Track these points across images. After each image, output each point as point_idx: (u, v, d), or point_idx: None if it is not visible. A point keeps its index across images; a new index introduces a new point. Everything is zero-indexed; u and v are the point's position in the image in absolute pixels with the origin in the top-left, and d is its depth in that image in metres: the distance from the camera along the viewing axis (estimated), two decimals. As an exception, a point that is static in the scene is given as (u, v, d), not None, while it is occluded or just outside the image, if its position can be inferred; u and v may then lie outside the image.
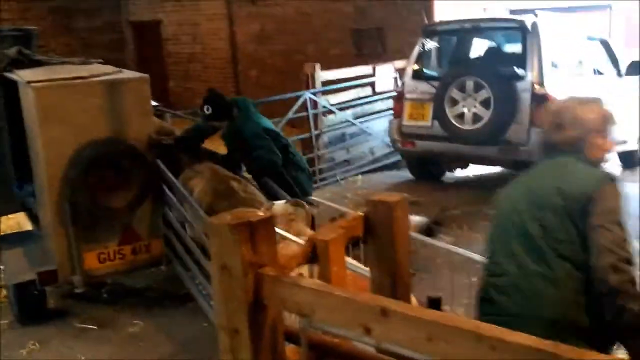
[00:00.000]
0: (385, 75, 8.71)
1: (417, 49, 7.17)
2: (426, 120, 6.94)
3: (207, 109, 4.54)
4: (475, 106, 6.42)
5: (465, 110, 6.48)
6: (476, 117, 6.41)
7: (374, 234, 2.00)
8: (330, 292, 1.51)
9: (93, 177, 4.03)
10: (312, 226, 3.88)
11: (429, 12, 9.15)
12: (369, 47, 10.32)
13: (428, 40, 7.16)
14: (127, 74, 4.43)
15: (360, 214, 2.04)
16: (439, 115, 6.69)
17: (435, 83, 6.80)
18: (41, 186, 4.16)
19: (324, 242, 1.83)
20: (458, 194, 6.97)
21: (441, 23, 7.43)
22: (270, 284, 1.61)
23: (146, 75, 4.27)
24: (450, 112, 6.57)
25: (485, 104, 6.32)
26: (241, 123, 4.56)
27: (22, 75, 4.16)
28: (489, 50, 7.39)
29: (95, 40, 13.25)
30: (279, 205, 3.66)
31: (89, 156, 4.00)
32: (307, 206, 3.68)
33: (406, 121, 7.12)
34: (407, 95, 7.12)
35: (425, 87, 6.95)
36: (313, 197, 4.08)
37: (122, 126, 4.15)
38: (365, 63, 8.91)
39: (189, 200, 4.02)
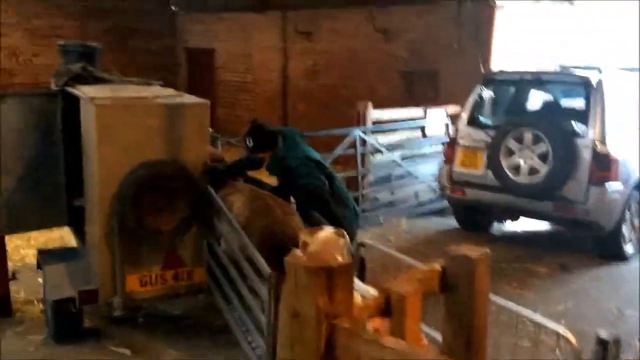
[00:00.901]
0: (436, 119, 8.59)
1: (474, 96, 7.04)
2: (479, 168, 6.77)
3: (249, 142, 4.56)
4: (532, 158, 6.23)
5: (522, 162, 6.30)
6: (532, 170, 6.22)
7: (452, 290, 1.86)
8: (417, 356, 1.36)
9: (144, 198, 3.97)
10: (362, 269, 3.74)
11: (486, 60, 9.04)
12: (420, 89, 10.23)
13: (486, 87, 7.03)
14: (188, 98, 4.42)
15: (437, 266, 1.90)
16: (493, 164, 6.51)
17: (491, 131, 6.65)
18: (91, 203, 4.13)
19: (400, 295, 1.69)
20: (507, 248, 6.72)
21: (502, 72, 7.30)
22: (345, 337, 1.47)
23: (207, 102, 4.25)
24: (505, 163, 6.39)
25: (543, 157, 6.13)
26: (285, 152, 4.49)
27: (84, 92, 4.17)
28: (549, 104, 7.21)
29: (149, 62, 13.54)
30: (324, 233, 3.48)
31: (142, 177, 3.96)
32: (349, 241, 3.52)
33: (457, 168, 6.96)
34: (460, 142, 6.97)
35: (479, 135, 6.80)
36: (367, 240, 3.93)
37: (178, 150, 4.11)
38: (415, 105, 8.82)
39: (226, 214, 3.95)
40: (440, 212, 8.25)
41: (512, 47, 9.13)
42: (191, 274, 4.31)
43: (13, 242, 6.15)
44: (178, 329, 4.57)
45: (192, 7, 13.93)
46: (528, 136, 6.24)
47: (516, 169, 6.34)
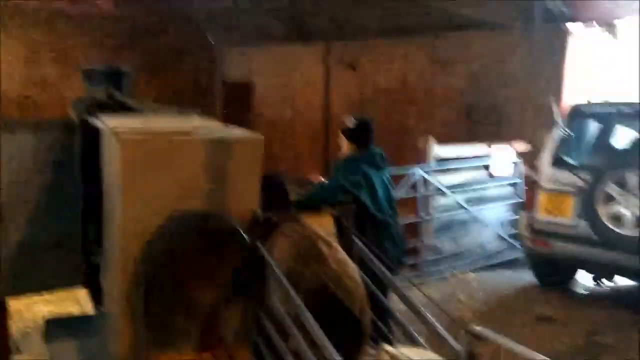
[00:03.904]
0: (503, 157, 7.60)
1: (557, 132, 6.06)
2: (567, 216, 5.75)
3: (352, 125, 4.51)
4: (638, 207, 5.18)
5: (625, 210, 5.26)
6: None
7: None
8: None
9: (178, 261, 3.06)
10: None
11: (558, 93, 8.05)
12: (481, 124, 9.26)
13: (572, 121, 6.05)
14: (238, 132, 3.53)
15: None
16: (587, 213, 5.50)
17: (583, 173, 5.63)
18: (112, 262, 3.23)
19: None
20: (606, 313, 5.63)
21: (591, 104, 6.31)
22: None
23: (260, 137, 3.35)
24: (602, 211, 5.37)
25: (653, 205, 5.09)
26: (361, 157, 4.38)
27: (107, 122, 3.32)
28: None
29: (185, 97, 12.91)
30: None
31: (177, 233, 3.05)
32: None
33: (540, 216, 5.95)
34: (544, 185, 5.96)
35: (567, 177, 5.81)
36: (479, 328, 2.92)
37: (223, 197, 3.21)
38: (477, 141, 7.86)
39: (275, 272, 3.04)
40: (511, 264, 7.21)
41: (588, 77, 8.16)
42: (233, 356, 3.35)
43: (29, 297, 5.33)
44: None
45: (230, 40, 13.33)
46: (633, 180, 5.22)
47: (617, 218, 5.32)
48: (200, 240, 3.11)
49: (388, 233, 4.33)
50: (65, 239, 3.78)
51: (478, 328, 2.62)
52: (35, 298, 5.28)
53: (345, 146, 4.54)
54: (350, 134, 4.49)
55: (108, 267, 3.38)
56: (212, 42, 13.68)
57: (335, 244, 3.49)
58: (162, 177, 3.06)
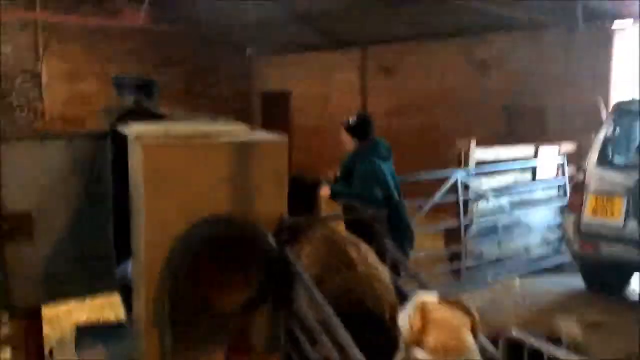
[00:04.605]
0: (548, 158, 7.33)
1: (605, 130, 5.79)
2: (616, 218, 5.46)
3: (352, 121, 4.78)
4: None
5: (677, 210, 4.97)
6: (694, 221, 4.88)
7: None
8: None
9: (204, 268, 3.00)
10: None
11: (605, 92, 7.72)
12: (524, 127, 8.98)
13: (619, 120, 5.77)
14: (262, 135, 3.47)
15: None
16: (636, 213, 5.20)
17: (632, 173, 5.36)
18: (138, 270, 3.20)
19: None
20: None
21: (636, 101, 6.02)
22: None
23: (284, 139, 3.28)
24: (653, 211, 5.07)
25: None
26: (369, 153, 4.62)
27: (133, 129, 3.30)
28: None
29: (223, 107, 13.00)
30: (438, 310, 2.33)
31: (201, 238, 3.00)
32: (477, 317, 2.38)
33: (587, 218, 5.68)
34: (591, 186, 5.69)
35: (616, 177, 5.54)
36: (516, 332, 2.76)
37: (248, 201, 3.15)
38: (520, 144, 7.61)
39: (303, 279, 2.94)
40: (557, 269, 6.92)
41: (635, 74, 7.80)
42: (264, 363, 3.27)
43: (66, 304, 5.38)
44: None
45: (268, 50, 13.39)
46: (685, 178, 4.93)
47: (670, 219, 5.01)
48: (225, 246, 3.05)
49: (403, 224, 4.63)
50: (99, 247, 3.78)
51: (516, 333, 2.47)
52: (73, 305, 5.34)
53: (347, 142, 4.80)
54: (351, 129, 4.76)
55: (135, 275, 3.35)
56: (249, 53, 13.78)
57: (366, 247, 3.38)
58: (185, 182, 3.02)
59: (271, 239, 3.15)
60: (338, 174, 4.90)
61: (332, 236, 3.31)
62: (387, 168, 4.72)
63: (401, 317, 2.35)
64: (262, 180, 3.15)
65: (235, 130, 3.47)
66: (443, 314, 2.28)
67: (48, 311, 5.12)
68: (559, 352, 2.11)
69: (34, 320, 3.74)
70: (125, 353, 3.42)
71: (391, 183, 4.69)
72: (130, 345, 3.48)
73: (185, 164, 3.01)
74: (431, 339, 2.23)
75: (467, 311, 2.30)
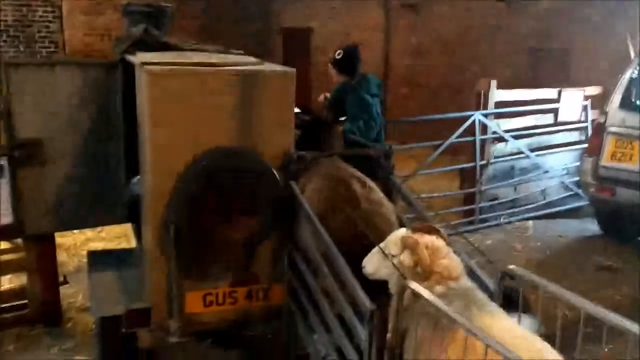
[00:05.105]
0: (572, 102, 7.14)
1: (630, 71, 5.59)
2: (635, 163, 5.34)
3: (339, 54, 4.65)
4: None
5: (699, 155, 4.83)
6: None
7: None
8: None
9: (209, 198, 3.03)
10: (511, 305, 2.59)
11: (636, 32, 7.40)
12: (548, 70, 8.72)
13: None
14: (269, 66, 3.42)
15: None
16: (656, 158, 5.08)
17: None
18: (145, 200, 3.24)
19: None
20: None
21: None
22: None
23: (292, 70, 3.23)
24: (674, 157, 4.94)
25: None
26: (360, 87, 4.51)
27: (141, 58, 3.27)
28: None
29: (243, 45, 12.75)
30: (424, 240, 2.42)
31: (207, 169, 3.02)
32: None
33: (606, 162, 5.56)
34: (611, 129, 5.55)
35: (637, 121, 5.36)
36: (514, 268, 2.75)
37: (254, 134, 3.14)
38: (544, 86, 7.41)
39: (306, 210, 2.98)
40: (573, 213, 6.86)
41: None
42: (267, 292, 3.35)
43: (84, 233, 5.53)
44: (250, 358, 3.63)
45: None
46: None
47: (690, 164, 4.89)
48: (230, 178, 3.07)
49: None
50: (109, 178, 3.82)
51: (513, 267, 2.46)
52: (90, 235, 5.48)
53: (334, 77, 4.72)
54: (338, 64, 4.65)
55: (144, 205, 3.40)
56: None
57: (372, 183, 3.37)
58: (190, 111, 3.01)
59: (276, 172, 3.16)
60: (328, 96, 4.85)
61: (337, 172, 3.31)
62: (375, 106, 4.61)
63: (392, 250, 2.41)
64: (268, 112, 3.13)
65: (242, 61, 3.42)
66: (427, 239, 2.38)
67: (65, 240, 5.28)
68: (554, 287, 2.10)
69: (47, 246, 3.85)
70: (133, 277, 3.51)
71: (378, 121, 4.59)
72: (138, 270, 3.58)
73: (191, 92, 2.99)
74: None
75: (438, 232, 2.43)
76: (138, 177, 3.59)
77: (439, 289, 2.26)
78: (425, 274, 2.32)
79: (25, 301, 3.87)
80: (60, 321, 3.93)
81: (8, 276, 4.40)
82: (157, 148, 3.01)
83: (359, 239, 2.80)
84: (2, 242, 4.21)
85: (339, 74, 4.66)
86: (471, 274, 2.58)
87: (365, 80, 4.63)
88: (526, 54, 9.04)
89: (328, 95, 4.86)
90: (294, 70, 3.22)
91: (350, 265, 2.60)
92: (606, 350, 3.41)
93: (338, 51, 4.69)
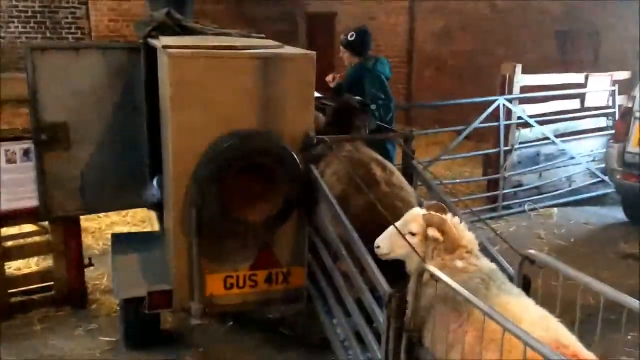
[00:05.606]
0: (599, 87, 6.99)
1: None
2: (663, 149, 5.23)
3: (352, 35, 4.65)
4: None
5: None
6: None
7: None
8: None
9: (229, 180, 3.05)
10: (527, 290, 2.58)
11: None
12: (576, 53, 8.53)
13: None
14: (289, 49, 3.41)
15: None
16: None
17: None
18: (167, 183, 3.28)
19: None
20: None
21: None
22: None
23: (312, 53, 3.22)
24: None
25: None
26: (370, 70, 4.56)
27: (163, 41, 3.29)
28: None
29: (267, 29, 12.75)
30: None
31: (227, 152, 3.03)
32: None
33: (632, 147, 5.46)
34: (638, 114, 5.43)
35: (666, 106, 5.24)
36: (535, 252, 2.72)
37: (274, 117, 3.15)
38: (571, 70, 7.26)
39: (326, 195, 2.98)
40: (598, 201, 6.74)
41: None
42: (287, 275, 3.37)
43: (109, 217, 5.61)
44: (270, 340, 3.68)
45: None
46: None
47: None
48: (250, 161, 3.08)
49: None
50: (132, 162, 3.85)
51: (533, 252, 2.44)
52: (115, 218, 5.56)
53: (347, 58, 4.73)
54: (351, 45, 4.66)
55: (165, 188, 3.43)
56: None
57: (392, 167, 3.36)
58: (211, 93, 3.02)
59: (296, 155, 3.16)
60: (338, 78, 4.87)
61: (358, 155, 3.30)
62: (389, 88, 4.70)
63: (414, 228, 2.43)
64: (288, 95, 3.13)
65: (263, 45, 3.42)
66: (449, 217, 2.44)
67: (91, 224, 5.37)
68: (573, 272, 2.07)
69: (73, 228, 3.91)
70: (157, 262, 3.56)
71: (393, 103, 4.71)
72: (160, 253, 3.63)
73: (211, 75, 3.01)
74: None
75: (446, 211, 2.49)
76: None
77: (460, 263, 2.28)
78: (451, 249, 2.35)
79: (51, 283, 3.95)
80: (85, 303, 4.00)
81: (34, 258, 4.49)
82: (179, 131, 3.03)
83: (379, 222, 2.79)
84: (29, 225, 4.28)
85: (353, 55, 4.68)
86: (492, 260, 2.57)
87: (379, 62, 4.67)
88: (553, 37, 8.86)
89: (337, 76, 4.86)
90: (313, 53, 3.21)
91: (369, 248, 2.60)
92: (629, 337, 3.37)
93: (350, 33, 4.70)
